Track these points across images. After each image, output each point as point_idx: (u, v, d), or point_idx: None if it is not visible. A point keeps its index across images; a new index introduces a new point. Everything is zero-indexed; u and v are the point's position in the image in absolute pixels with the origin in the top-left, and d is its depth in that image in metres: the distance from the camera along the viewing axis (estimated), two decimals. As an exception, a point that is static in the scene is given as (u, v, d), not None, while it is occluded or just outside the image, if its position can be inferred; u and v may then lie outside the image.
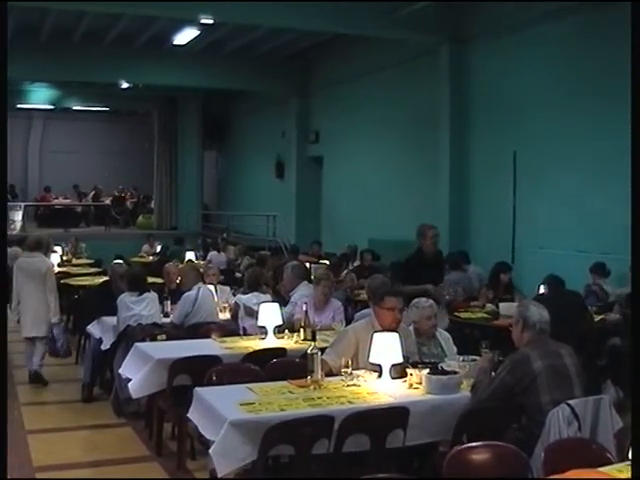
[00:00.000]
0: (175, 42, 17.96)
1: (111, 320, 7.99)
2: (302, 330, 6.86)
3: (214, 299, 8.43)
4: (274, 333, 6.99)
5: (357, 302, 10.63)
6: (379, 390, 5.05)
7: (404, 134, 16.01)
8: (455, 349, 6.08)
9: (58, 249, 14.20)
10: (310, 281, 8.62)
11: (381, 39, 15.38)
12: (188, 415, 5.06)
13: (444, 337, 6.17)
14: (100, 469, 6.24)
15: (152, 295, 8.09)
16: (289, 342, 6.84)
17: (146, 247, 17.73)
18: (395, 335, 5.30)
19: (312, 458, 4.51)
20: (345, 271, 12.24)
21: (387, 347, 5.23)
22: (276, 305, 7.17)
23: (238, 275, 12.61)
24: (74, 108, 26.89)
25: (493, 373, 4.90)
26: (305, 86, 20.39)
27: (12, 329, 8.99)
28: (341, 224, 18.46)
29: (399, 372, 5.25)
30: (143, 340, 7.07)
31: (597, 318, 8.63)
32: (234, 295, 8.92)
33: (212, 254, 15.47)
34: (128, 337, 7.49)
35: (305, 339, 6.73)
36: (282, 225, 19.88)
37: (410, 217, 15.17)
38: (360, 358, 5.53)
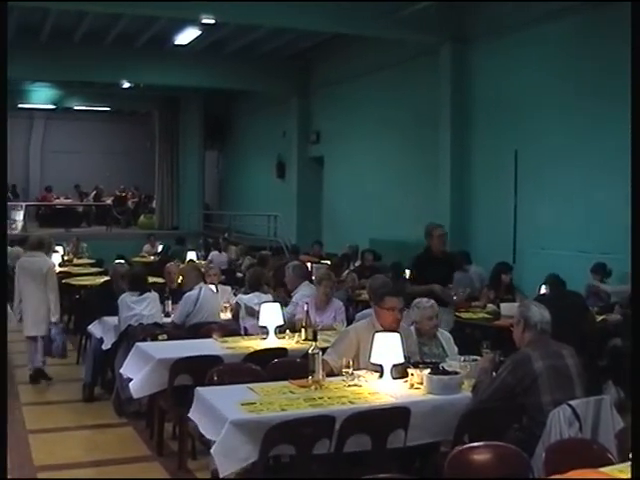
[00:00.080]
0: (176, 42, 17.97)
1: (112, 320, 7.99)
2: (303, 330, 6.86)
3: (216, 299, 8.42)
4: (275, 333, 6.99)
5: (358, 302, 10.64)
6: (380, 390, 5.05)
7: (405, 134, 16.00)
8: (456, 349, 6.08)
9: (59, 249, 14.20)
10: (311, 281, 8.63)
11: (381, 39, 15.38)
12: (189, 415, 5.06)
13: (445, 337, 6.17)
14: (101, 469, 6.24)
15: (153, 295, 8.09)
16: (290, 342, 6.84)
17: (147, 247, 17.75)
18: (396, 335, 5.30)
19: (313, 458, 4.51)
20: (346, 271, 12.25)
21: (388, 347, 5.22)
22: (277, 305, 7.17)
23: (239, 275, 12.62)
24: (75, 108, 26.91)
25: (494, 373, 4.89)
26: (305, 86, 20.39)
27: (13, 329, 9.01)
28: (342, 224, 18.46)
29: (400, 372, 5.25)
30: (144, 340, 7.07)
31: (598, 318, 8.64)
32: (235, 295, 8.92)
33: (213, 254, 15.48)
34: (129, 337, 7.50)
35: (306, 339, 6.73)
36: (283, 225, 19.88)
37: (411, 217, 15.22)
38: (361, 358, 5.53)
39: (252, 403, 4.69)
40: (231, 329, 7.55)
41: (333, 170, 19.41)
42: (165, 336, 7.21)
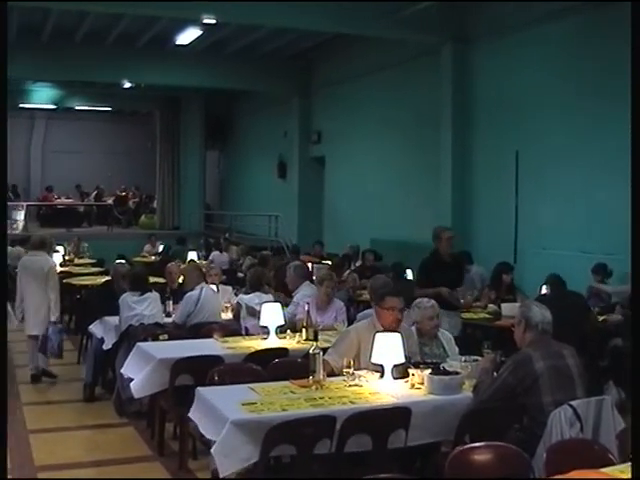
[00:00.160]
0: (178, 42, 17.97)
1: (113, 320, 7.99)
2: (304, 330, 6.87)
3: (217, 299, 8.42)
4: (276, 333, 6.99)
5: (359, 302, 10.65)
6: (381, 390, 5.05)
7: (406, 134, 16.00)
8: (457, 349, 6.07)
9: (60, 249, 14.21)
10: (312, 281, 8.63)
11: (382, 39, 15.38)
12: (189, 415, 5.06)
13: (446, 337, 6.17)
14: (102, 469, 6.24)
15: (154, 295, 8.09)
16: (291, 342, 6.83)
17: (148, 247, 17.75)
18: (397, 335, 5.30)
19: (314, 458, 4.51)
20: (347, 271, 12.25)
21: (389, 347, 5.22)
22: (278, 305, 7.17)
23: (240, 275, 12.62)
24: (76, 108, 26.94)
25: (495, 374, 4.89)
26: (307, 86, 20.39)
27: (14, 329, 9.02)
28: (343, 224, 18.47)
29: (401, 372, 5.25)
30: (145, 340, 7.07)
31: (599, 319, 8.64)
32: (236, 295, 8.92)
33: (214, 254, 15.49)
34: (130, 337, 7.50)
35: (307, 339, 6.73)
36: (284, 225, 19.89)
37: (412, 217, 15.24)
38: (362, 358, 5.53)
39: (253, 403, 4.69)
40: (232, 329, 7.55)
41: (334, 170, 19.41)
42: (166, 336, 7.21)
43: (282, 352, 6.44)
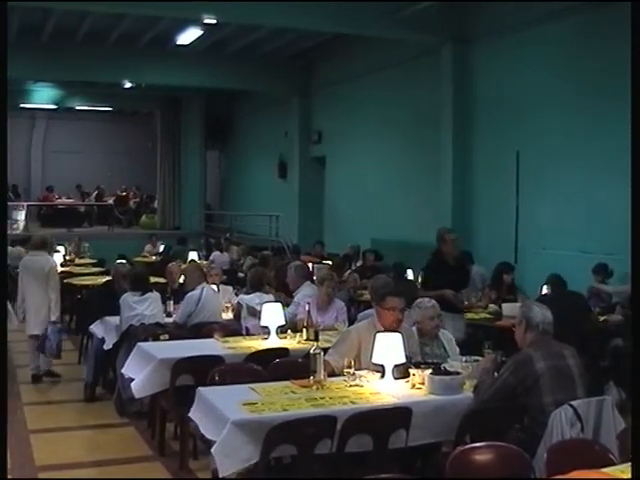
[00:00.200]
0: (178, 42, 17.97)
1: (114, 320, 7.99)
2: (305, 330, 6.87)
3: (218, 299, 8.42)
4: (277, 333, 6.98)
5: (360, 302, 10.65)
6: (382, 390, 5.05)
7: (406, 134, 16.00)
8: (458, 349, 6.08)
9: (61, 249, 14.21)
10: (313, 281, 8.63)
11: (382, 39, 15.38)
12: (189, 415, 5.06)
13: (447, 337, 6.17)
14: (103, 469, 6.25)
15: (155, 295, 8.09)
16: (292, 342, 6.83)
17: (149, 247, 17.76)
18: (398, 335, 5.30)
19: (314, 458, 4.51)
20: (348, 271, 12.25)
21: (390, 347, 5.22)
22: (279, 305, 7.18)
23: (241, 275, 12.62)
24: (77, 108, 26.93)
25: (496, 374, 4.89)
26: (307, 86, 20.40)
27: (15, 328, 9.02)
28: (344, 224, 18.47)
29: (402, 372, 5.25)
30: (146, 340, 7.07)
31: (600, 319, 8.63)
32: (237, 295, 8.92)
33: (215, 254, 15.49)
34: (131, 337, 7.50)
35: (308, 339, 6.73)
36: (285, 225, 19.90)
37: (412, 217, 15.25)
38: (363, 358, 5.53)
39: (254, 403, 4.69)
40: (233, 329, 7.55)
41: (335, 170, 19.41)
42: (167, 336, 7.21)
43: (283, 352, 6.44)
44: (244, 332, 7.59)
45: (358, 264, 13.50)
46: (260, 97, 23.03)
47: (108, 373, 8.37)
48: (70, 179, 28.63)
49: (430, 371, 5.10)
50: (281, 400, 4.78)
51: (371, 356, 5.30)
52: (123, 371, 6.85)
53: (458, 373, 5.11)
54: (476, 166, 13.86)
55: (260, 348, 6.60)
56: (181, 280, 9.44)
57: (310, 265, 11.47)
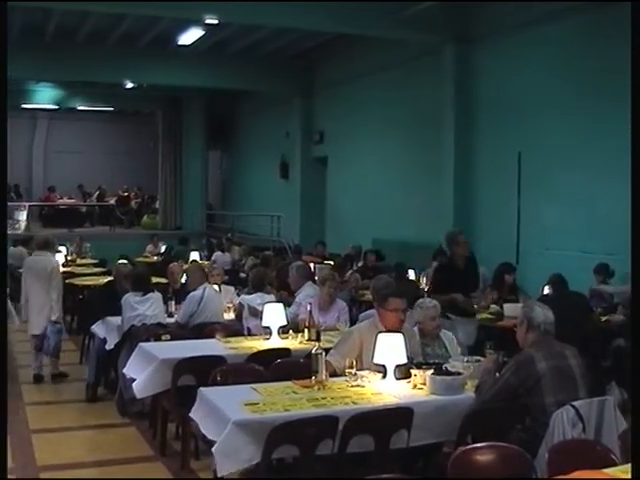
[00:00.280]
0: (180, 42, 17.98)
1: (115, 320, 8.00)
2: (306, 330, 6.86)
3: (219, 299, 8.42)
4: (278, 333, 6.98)
5: (362, 302, 10.64)
6: (383, 391, 5.05)
7: (408, 134, 16.00)
8: (459, 350, 6.07)
9: (63, 249, 14.21)
10: (314, 281, 8.62)
11: (384, 39, 15.38)
12: (190, 414, 5.06)
13: (448, 338, 6.17)
14: (104, 469, 6.25)
15: (156, 295, 8.10)
16: (293, 342, 6.83)
17: (150, 247, 17.76)
18: (399, 336, 5.29)
19: (316, 458, 4.51)
20: (349, 271, 12.24)
21: (391, 348, 5.22)
22: (280, 305, 7.18)
23: (242, 275, 12.62)
24: (78, 108, 26.93)
25: (497, 374, 4.89)
26: (309, 86, 20.39)
27: (17, 328, 9.03)
28: (345, 224, 18.47)
29: (403, 373, 5.25)
30: (147, 340, 7.08)
31: (602, 319, 8.63)
32: (238, 295, 8.92)
33: (217, 254, 15.49)
34: (132, 337, 7.50)
35: (309, 339, 6.73)
36: (286, 225, 19.90)
37: (414, 217, 15.24)
38: (364, 359, 5.53)
39: (255, 403, 4.69)
40: (234, 329, 7.55)
41: (336, 170, 19.41)
42: (168, 336, 7.22)
43: (284, 352, 6.44)
44: (246, 332, 7.60)
45: (360, 264, 13.49)
46: (262, 97, 23.04)
47: (110, 373, 8.36)
48: (72, 179, 28.65)
49: (431, 371, 5.10)
50: (283, 400, 4.78)
51: (373, 356, 5.29)
52: (125, 371, 6.85)
53: (459, 373, 5.10)
54: (478, 166, 13.85)
55: (262, 348, 6.60)
56: (183, 280, 9.45)
57: (312, 265, 11.46)
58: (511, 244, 12.76)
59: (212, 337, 7.06)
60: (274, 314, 7.02)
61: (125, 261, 10.97)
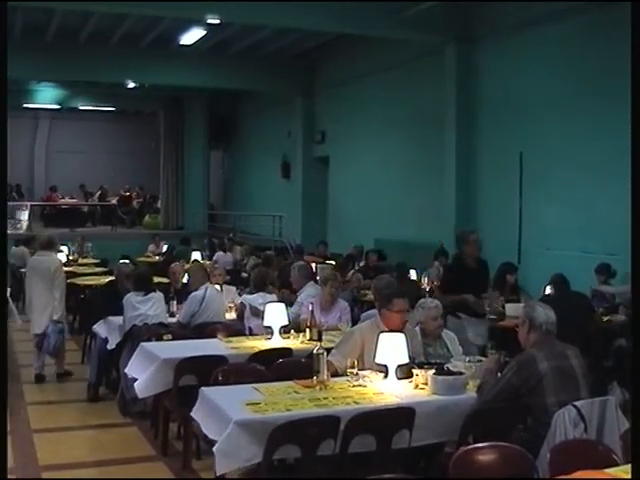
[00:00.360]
0: (181, 42, 18.00)
1: (117, 320, 7.99)
2: (308, 330, 6.85)
3: (221, 299, 8.42)
4: (280, 333, 6.98)
5: (363, 302, 10.63)
6: (385, 390, 5.05)
7: (409, 134, 16.00)
8: (461, 350, 6.07)
9: (64, 249, 14.22)
10: (316, 281, 8.62)
11: (386, 39, 15.39)
12: (191, 414, 5.06)
13: (450, 338, 6.17)
14: (105, 469, 6.25)
15: (158, 295, 8.10)
16: (295, 342, 6.83)
17: (152, 247, 17.78)
18: (401, 336, 5.29)
19: (318, 458, 4.51)
20: (351, 271, 12.24)
21: (393, 348, 5.22)
22: (282, 305, 7.18)
23: (244, 275, 12.62)
24: (80, 108, 26.94)
25: (499, 374, 4.89)
26: (310, 86, 20.41)
27: (19, 328, 9.03)
28: (347, 224, 18.47)
29: (405, 373, 5.25)
30: (149, 340, 7.07)
31: (603, 319, 8.62)
32: (240, 295, 8.91)
33: (218, 254, 15.48)
34: (134, 337, 7.50)
35: (311, 339, 6.72)
36: (288, 225, 19.90)
37: (416, 217, 15.24)
38: (366, 358, 5.53)
39: (257, 403, 4.69)
40: (236, 329, 7.55)
41: (338, 170, 19.42)
42: (170, 336, 7.22)
43: (286, 352, 6.43)
44: (247, 332, 7.59)
45: (361, 264, 13.49)
46: (263, 97, 23.05)
47: (111, 373, 8.37)
48: (73, 179, 28.65)
49: (433, 371, 5.10)
50: (284, 400, 4.78)
51: (374, 356, 5.29)
52: (126, 371, 6.85)
53: (461, 373, 5.10)
54: (480, 166, 13.85)
55: (263, 348, 6.60)
56: (184, 280, 9.45)
57: (313, 265, 11.44)
58: (513, 244, 12.75)
59: (214, 337, 7.06)
60: (276, 314, 7.02)
61: (127, 261, 10.97)
